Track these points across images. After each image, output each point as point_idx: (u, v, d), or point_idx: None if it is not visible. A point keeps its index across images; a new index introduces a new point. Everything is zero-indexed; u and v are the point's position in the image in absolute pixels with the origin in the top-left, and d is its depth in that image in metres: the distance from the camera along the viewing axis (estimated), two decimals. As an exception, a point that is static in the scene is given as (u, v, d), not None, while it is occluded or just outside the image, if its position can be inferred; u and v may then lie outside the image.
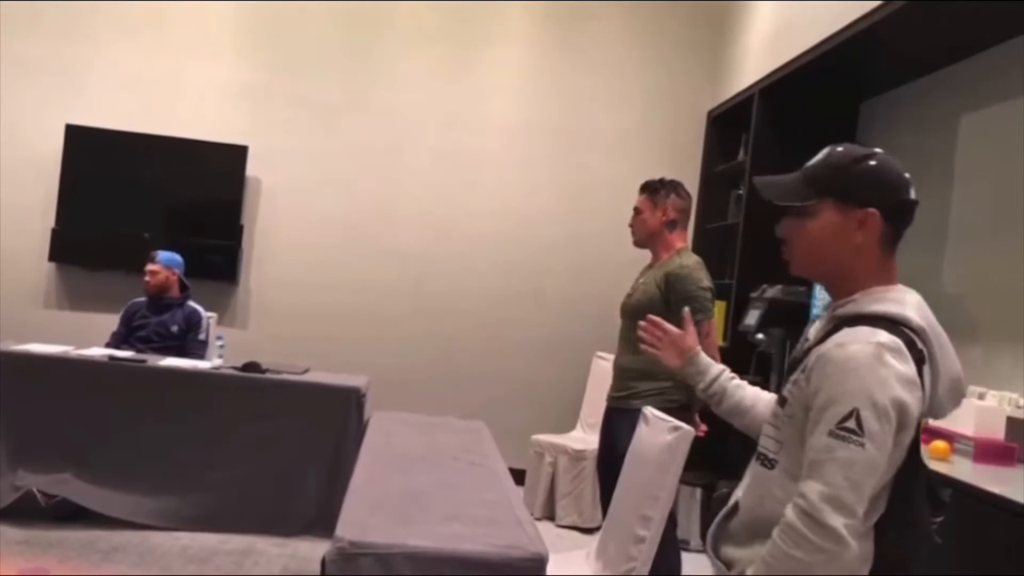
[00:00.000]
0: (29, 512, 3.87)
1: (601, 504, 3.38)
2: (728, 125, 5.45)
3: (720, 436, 3.75)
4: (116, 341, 4.64)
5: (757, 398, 1.85)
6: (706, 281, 3.21)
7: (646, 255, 3.42)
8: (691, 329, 1.98)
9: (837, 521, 1.36)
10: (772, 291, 4.42)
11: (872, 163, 1.55)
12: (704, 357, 1.93)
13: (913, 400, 1.42)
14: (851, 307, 1.52)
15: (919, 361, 1.45)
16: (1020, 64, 3.41)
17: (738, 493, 1.63)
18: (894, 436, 1.41)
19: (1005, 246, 3.39)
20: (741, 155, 5.16)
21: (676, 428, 2.40)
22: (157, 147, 5.43)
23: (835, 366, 1.42)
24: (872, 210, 1.52)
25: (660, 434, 2.46)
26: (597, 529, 3.82)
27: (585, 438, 5.04)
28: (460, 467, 2.72)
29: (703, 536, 4.54)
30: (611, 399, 3.35)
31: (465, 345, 5.64)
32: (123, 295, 4.90)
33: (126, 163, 5.45)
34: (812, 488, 1.39)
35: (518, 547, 1.90)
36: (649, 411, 2.70)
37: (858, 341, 1.43)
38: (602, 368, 5.01)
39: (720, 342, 4.22)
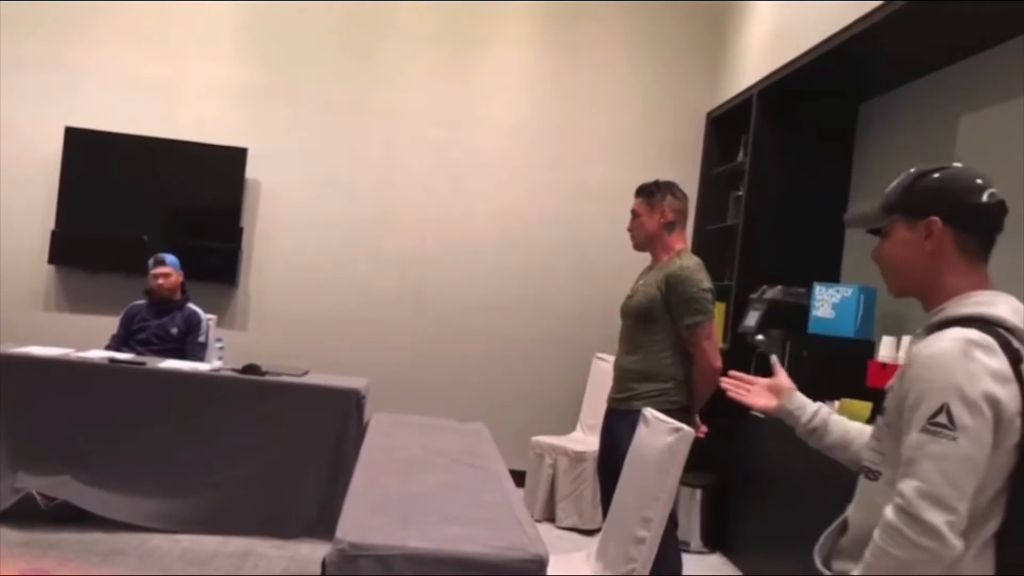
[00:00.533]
0: (29, 514, 3.87)
1: (602, 505, 3.38)
2: (727, 126, 5.46)
3: (721, 437, 3.76)
4: (116, 344, 4.64)
5: (861, 430, 1.83)
6: (706, 282, 3.21)
7: (646, 256, 3.42)
8: (782, 371, 1.97)
9: (936, 517, 1.34)
10: (772, 292, 4.42)
11: (935, 175, 1.58)
12: (800, 395, 1.91)
13: (1008, 396, 1.41)
14: (941, 314, 1.54)
15: (1015, 360, 1.44)
16: (1019, 65, 3.41)
17: (848, 510, 1.62)
18: (993, 435, 1.39)
19: (1002, 248, 3.38)
20: (740, 156, 5.16)
21: (676, 429, 2.40)
22: (157, 149, 5.43)
23: (923, 364, 1.44)
24: (934, 218, 1.54)
25: (660, 435, 2.46)
26: (597, 531, 3.82)
27: (585, 439, 5.04)
28: (460, 469, 2.72)
29: (703, 537, 4.55)
30: (611, 400, 3.35)
31: (465, 347, 5.64)
32: (123, 297, 4.90)
33: (126, 165, 5.45)
34: (908, 485, 1.39)
35: (518, 548, 1.89)
36: (649, 412, 2.70)
37: (946, 339, 1.44)
38: (602, 369, 5.01)
39: (720, 343, 4.23)
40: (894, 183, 1.65)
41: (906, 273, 1.61)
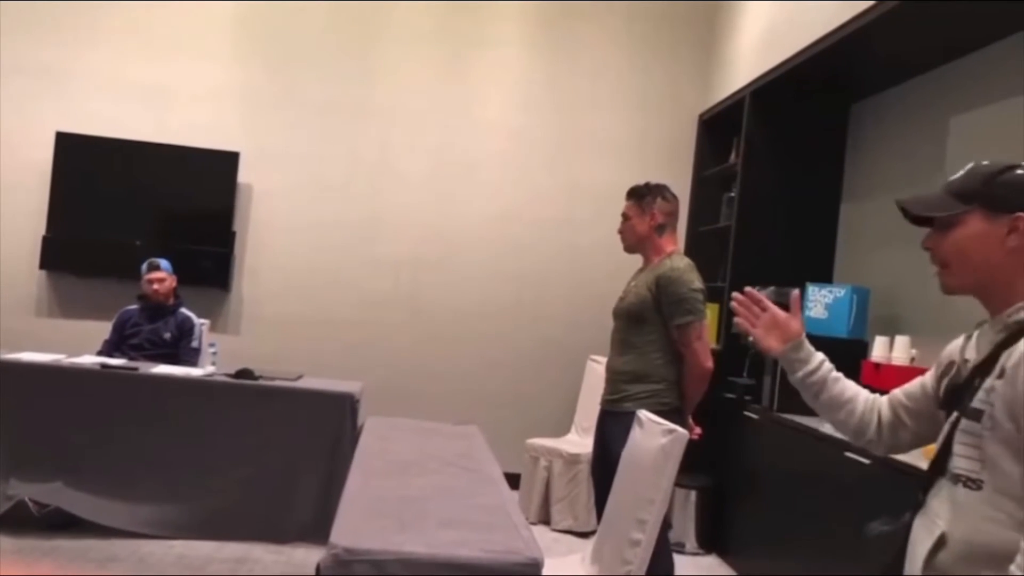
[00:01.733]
0: (22, 521, 3.85)
1: (596, 508, 3.37)
2: (719, 128, 5.47)
3: (715, 438, 3.77)
4: (108, 349, 4.62)
5: (856, 392, 1.78)
6: (697, 283, 3.21)
7: (639, 258, 3.43)
8: (799, 312, 1.86)
9: None
10: (765, 293, 4.42)
11: (1019, 172, 1.53)
12: (808, 344, 1.81)
13: None
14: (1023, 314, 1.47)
15: None
16: (1008, 66, 3.42)
17: (939, 524, 1.46)
18: None
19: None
20: (733, 157, 5.18)
21: (670, 431, 2.41)
22: (148, 154, 5.41)
23: None
24: (1021, 214, 1.48)
25: (654, 437, 2.46)
26: (592, 533, 3.82)
27: (580, 442, 5.04)
28: (455, 472, 2.71)
29: (698, 539, 4.56)
30: (604, 402, 3.35)
31: (459, 350, 5.64)
32: (115, 303, 4.89)
33: (117, 170, 5.44)
34: None
35: (514, 552, 1.89)
36: (643, 414, 2.70)
37: None
38: (596, 372, 5.01)
39: (713, 344, 4.24)
40: (965, 172, 1.59)
41: (976, 267, 1.52)
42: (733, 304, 1.90)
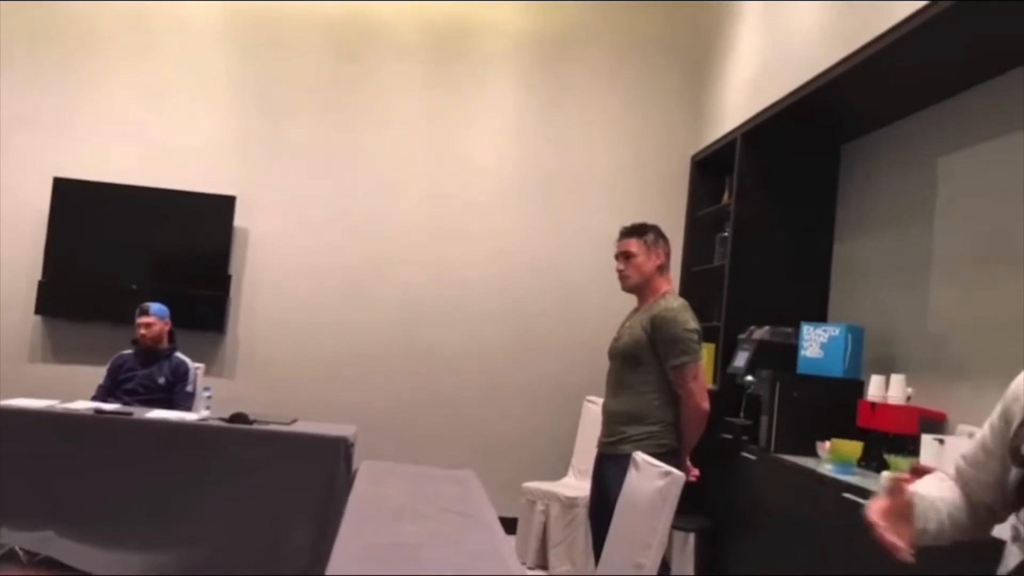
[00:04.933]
0: (11, 571, 3.79)
1: (594, 552, 3.34)
2: (712, 169, 5.52)
3: (712, 479, 3.74)
4: (102, 394, 4.60)
5: (964, 504, 1.57)
6: (692, 323, 3.21)
7: (632, 298, 3.43)
8: (905, 488, 1.54)
9: None
10: (760, 332, 4.43)
11: None
12: (920, 505, 1.53)
13: None
14: None
15: None
16: (995, 106, 3.47)
17: None
18: None
19: (988, 283, 3.42)
20: (725, 198, 5.21)
21: (667, 473, 2.39)
22: (144, 198, 5.44)
23: None
24: None
25: (651, 480, 2.45)
26: (590, 577, 3.77)
27: (577, 484, 5.00)
28: (450, 518, 2.69)
29: (698, 582, 4.50)
30: (601, 445, 3.33)
31: (454, 392, 5.62)
32: (110, 347, 4.87)
33: (113, 215, 5.46)
34: None
35: (508, 599, 1.87)
36: (640, 457, 2.68)
37: None
38: (593, 412, 4.99)
39: (710, 384, 4.23)
40: None
41: None
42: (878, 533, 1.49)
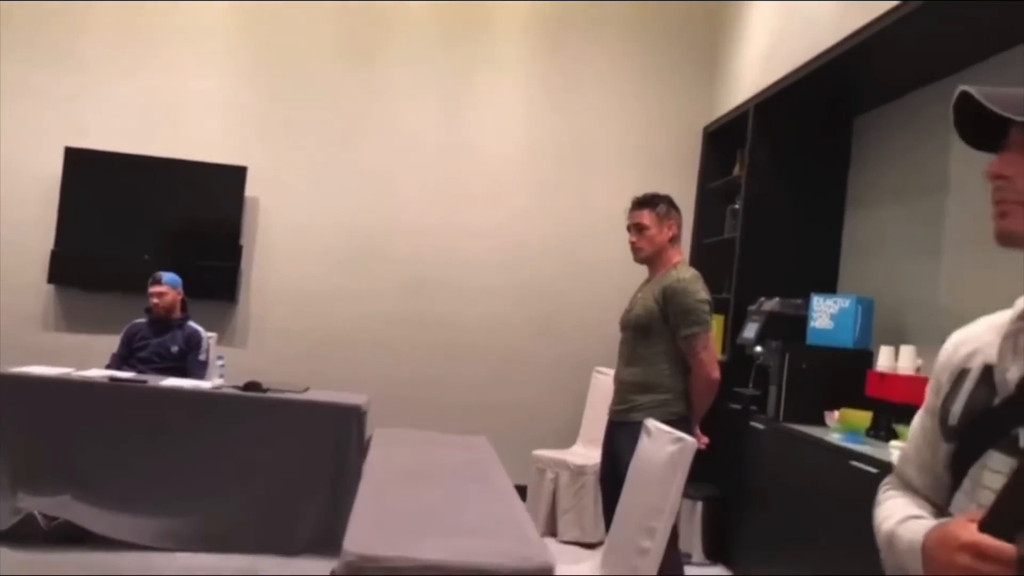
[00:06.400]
0: (30, 535, 3.86)
1: (604, 518, 3.38)
2: (724, 140, 5.50)
3: (721, 448, 3.78)
4: (116, 362, 4.64)
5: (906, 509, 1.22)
6: (703, 293, 3.23)
7: (643, 269, 3.44)
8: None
9: None
10: (770, 304, 4.45)
11: None
12: None
13: None
14: None
15: None
16: (1009, 77, 3.45)
17: None
18: None
19: (999, 254, 3.42)
20: (737, 170, 5.21)
21: (679, 440, 2.42)
22: (156, 168, 5.45)
23: None
24: None
25: (663, 446, 2.48)
26: (599, 545, 3.83)
27: (586, 453, 5.05)
28: (464, 482, 2.73)
29: (705, 549, 4.56)
30: (612, 413, 3.37)
31: (465, 362, 5.65)
32: (123, 316, 4.91)
33: (125, 185, 5.48)
34: None
35: (527, 558, 1.91)
36: (651, 424, 2.71)
37: None
38: (602, 383, 5.02)
39: (719, 355, 4.25)
40: None
41: None
42: None
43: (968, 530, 0.98)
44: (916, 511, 1.18)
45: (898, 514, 1.18)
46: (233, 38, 5.63)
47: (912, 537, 1.10)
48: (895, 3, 3.33)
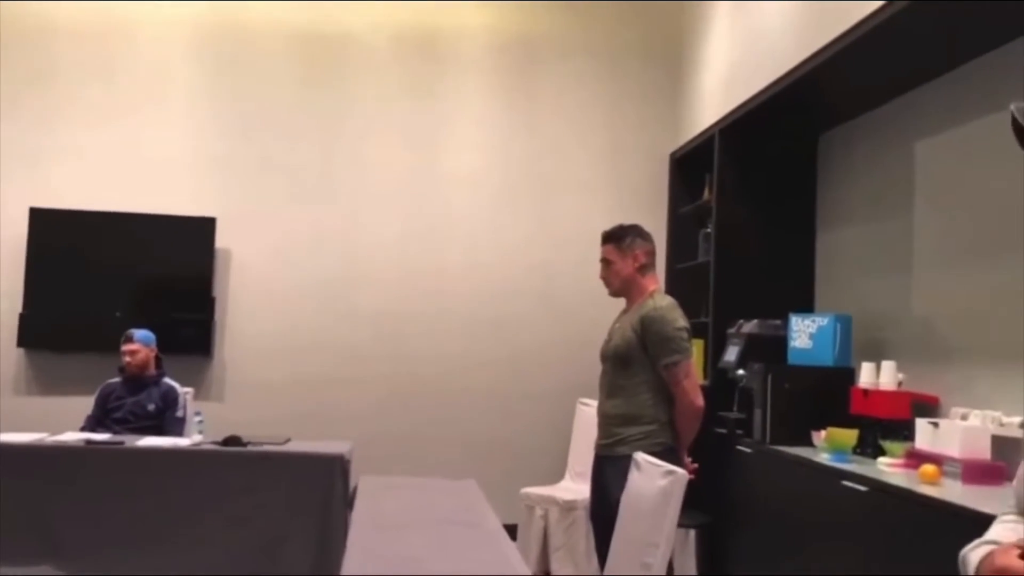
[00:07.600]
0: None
1: (597, 554, 3.33)
2: (691, 165, 5.54)
3: (710, 474, 3.75)
4: (91, 424, 4.54)
5: None
6: (681, 321, 3.23)
7: (620, 299, 3.44)
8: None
9: None
10: (749, 326, 4.45)
11: None
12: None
13: None
14: None
15: None
16: (971, 89, 3.51)
17: None
18: None
19: (970, 264, 3.46)
20: (706, 194, 5.24)
21: (669, 472, 2.40)
22: (124, 224, 5.39)
23: None
24: None
25: (654, 480, 2.45)
26: (595, 580, 3.77)
27: (575, 487, 5.00)
28: (455, 529, 2.68)
29: (701, 578, 4.51)
30: (598, 447, 3.34)
31: (446, 402, 5.60)
32: (97, 377, 4.81)
33: (93, 243, 5.40)
34: None
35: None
36: (640, 457, 2.69)
37: None
38: (586, 415, 4.99)
39: (701, 380, 4.24)
40: None
41: None
42: None
43: (1008, 556, 1.04)
44: (1006, 536, 1.24)
45: (983, 538, 1.26)
46: (192, 89, 5.61)
47: (975, 560, 1.19)
48: (849, 26, 3.38)
